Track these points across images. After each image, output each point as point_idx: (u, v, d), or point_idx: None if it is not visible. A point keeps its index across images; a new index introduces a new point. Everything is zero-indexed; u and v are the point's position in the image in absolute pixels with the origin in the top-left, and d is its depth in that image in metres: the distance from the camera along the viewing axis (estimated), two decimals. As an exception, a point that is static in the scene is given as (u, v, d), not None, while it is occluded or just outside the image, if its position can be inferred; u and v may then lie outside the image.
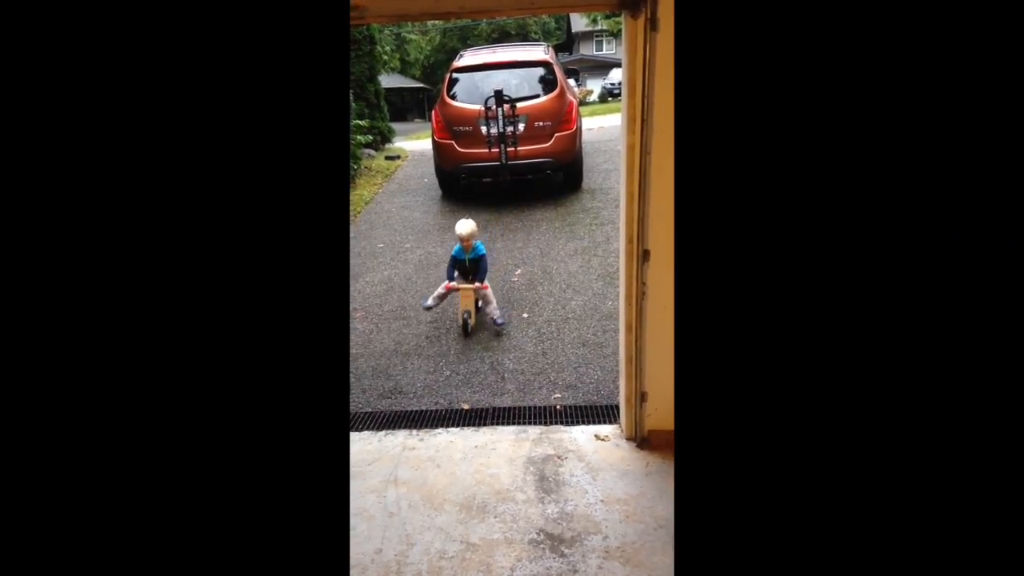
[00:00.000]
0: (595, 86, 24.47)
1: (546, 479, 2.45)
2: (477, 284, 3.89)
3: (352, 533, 2.20)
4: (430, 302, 3.98)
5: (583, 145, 6.92)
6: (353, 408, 3.21)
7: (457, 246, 4.02)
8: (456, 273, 4.00)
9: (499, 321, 3.85)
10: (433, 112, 6.82)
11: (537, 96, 6.44)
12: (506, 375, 3.43)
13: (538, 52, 7.19)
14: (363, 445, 2.77)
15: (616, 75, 22.63)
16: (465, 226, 3.92)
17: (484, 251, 4.03)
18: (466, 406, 3.13)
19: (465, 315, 3.86)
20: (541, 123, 6.25)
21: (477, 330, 3.96)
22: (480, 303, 3.99)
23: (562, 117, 6.31)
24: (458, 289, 3.90)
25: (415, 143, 11.37)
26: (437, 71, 28.53)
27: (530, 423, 2.90)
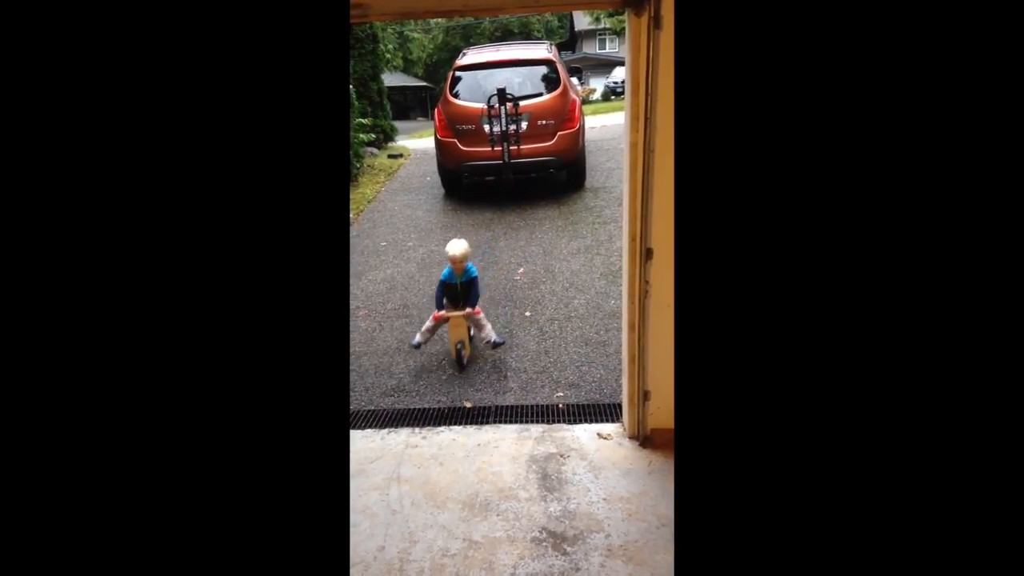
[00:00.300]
0: (598, 84, 24.44)
1: (549, 477, 2.45)
2: (469, 310, 3.49)
3: (355, 531, 2.20)
4: (418, 338, 3.55)
5: (586, 144, 6.92)
6: (356, 406, 3.21)
7: (447, 269, 3.59)
8: (445, 300, 3.58)
9: (498, 340, 3.52)
10: (436, 110, 6.82)
11: (540, 94, 6.44)
12: (508, 373, 3.43)
13: (541, 50, 7.18)
14: (366, 443, 2.78)
15: (619, 73, 22.62)
16: (458, 246, 3.51)
17: (476, 273, 3.63)
18: (468, 404, 3.13)
19: (459, 346, 3.48)
20: (544, 121, 6.25)
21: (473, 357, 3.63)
22: (472, 330, 3.61)
23: (565, 115, 6.31)
24: (448, 318, 3.50)
25: (418, 141, 11.38)
26: (440, 70, 28.53)
27: (533, 421, 2.90)
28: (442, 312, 3.53)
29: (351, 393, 3.33)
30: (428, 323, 3.58)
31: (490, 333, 3.54)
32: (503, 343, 3.57)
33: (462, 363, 3.50)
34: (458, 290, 3.57)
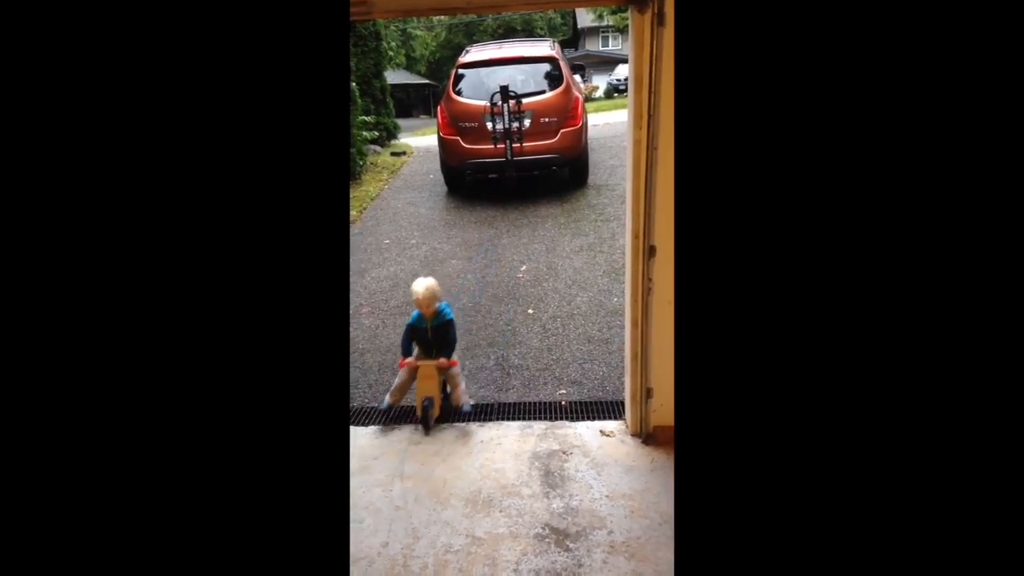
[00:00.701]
0: (601, 82, 24.40)
1: (551, 474, 2.46)
2: (442, 360, 2.88)
3: (359, 526, 2.21)
4: (388, 400, 2.93)
5: (589, 141, 6.92)
6: (360, 403, 3.22)
7: (415, 312, 2.95)
8: (416, 349, 2.96)
9: (466, 408, 2.90)
10: (439, 108, 6.82)
11: (543, 92, 6.43)
12: (511, 371, 3.43)
13: (544, 47, 7.18)
14: (370, 439, 2.78)
15: (621, 71, 22.58)
16: (421, 284, 2.86)
17: (451, 315, 2.97)
18: (472, 401, 3.14)
19: (425, 403, 2.81)
20: (547, 119, 6.24)
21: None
22: (447, 387, 2.96)
23: (568, 113, 6.30)
24: (416, 367, 2.89)
25: (420, 139, 11.37)
26: (442, 67, 28.53)
27: (535, 419, 2.91)
28: (411, 359, 2.92)
29: (355, 390, 3.34)
30: (398, 378, 2.96)
31: (463, 395, 2.92)
32: (471, 412, 2.93)
33: (428, 424, 2.82)
34: (428, 336, 2.92)
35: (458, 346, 3.70)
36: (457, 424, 2.88)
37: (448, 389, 2.95)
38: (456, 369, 2.93)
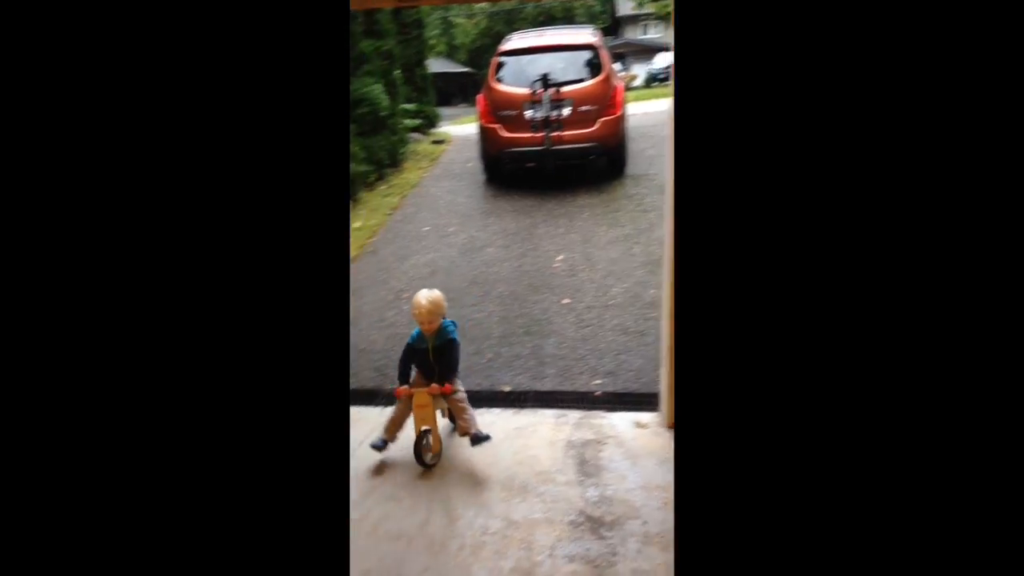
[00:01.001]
0: (640, 71, 24.04)
1: (586, 463, 2.49)
2: (434, 385, 2.48)
3: (399, 505, 2.28)
4: (383, 436, 2.52)
5: (628, 130, 6.85)
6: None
7: (415, 330, 2.57)
8: (414, 372, 2.58)
9: (482, 435, 2.46)
10: (479, 97, 6.83)
11: (583, 80, 6.38)
12: (547, 360, 3.46)
13: (585, 35, 7.11)
14: (409, 422, 2.85)
15: (661, 60, 22.17)
16: (425, 296, 2.47)
17: (455, 333, 2.56)
18: (507, 388, 3.18)
19: (423, 434, 2.48)
20: (586, 107, 6.20)
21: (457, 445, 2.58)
22: (450, 415, 2.62)
23: (607, 101, 6.25)
24: (411, 394, 2.48)
25: (460, 127, 11.42)
26: (482, 55, 28.49)
27: (570, 407, 2.93)
28: (406, 387, 2.52)
29: (395, 372, 3.41)
30: (393, 409, 2.56)
31: (472, 421, 2.48)
32: (488, 438, 2.46)
33: (425, 460, 2.46)
34: (430, 358, 2.53)
35: (496, 330, 3.75)
36: (493, 409, 2.89)
37: (453, 416, 2.59)
38: (460, 395, 2.51)
